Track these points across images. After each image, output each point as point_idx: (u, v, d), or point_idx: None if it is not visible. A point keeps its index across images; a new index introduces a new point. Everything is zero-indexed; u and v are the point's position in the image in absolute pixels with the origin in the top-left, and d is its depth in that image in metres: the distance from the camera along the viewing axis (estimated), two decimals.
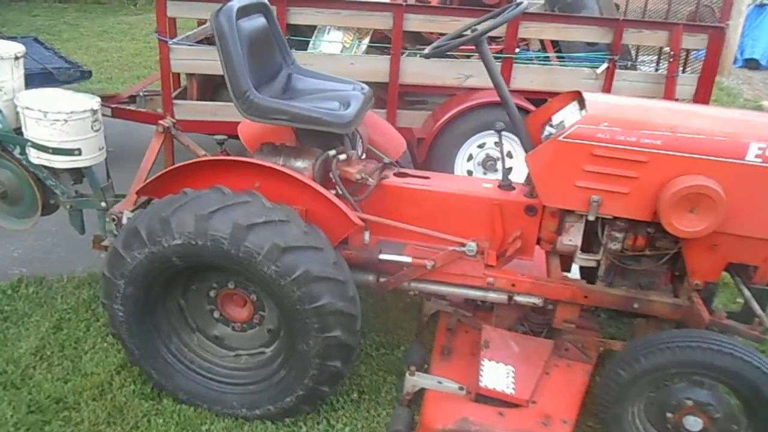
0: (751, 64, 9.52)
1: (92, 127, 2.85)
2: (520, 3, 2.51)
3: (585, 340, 2.59)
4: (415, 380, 2.43)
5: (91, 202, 2.99)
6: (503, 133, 4.12)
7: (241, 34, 2.36)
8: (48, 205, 3.06)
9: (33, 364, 2.66)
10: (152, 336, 2.38)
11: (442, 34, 4.36)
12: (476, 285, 2.50)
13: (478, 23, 3.12)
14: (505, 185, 2.58)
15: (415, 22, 4.02)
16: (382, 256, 2.48)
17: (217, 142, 2.99)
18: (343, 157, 2.48)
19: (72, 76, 4.35)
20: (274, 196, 2.23)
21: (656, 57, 4.92)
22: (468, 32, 2.67)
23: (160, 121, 2.87)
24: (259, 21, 2.60)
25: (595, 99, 2.37)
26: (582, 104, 2.44)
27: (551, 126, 2.52)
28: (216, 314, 2.45)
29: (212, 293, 2.41)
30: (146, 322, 2.34)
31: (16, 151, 2.88)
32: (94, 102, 2.85)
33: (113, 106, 4.32)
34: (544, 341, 2.62)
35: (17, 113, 2.86)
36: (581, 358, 2.55)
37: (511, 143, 4.24)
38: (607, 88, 4.26)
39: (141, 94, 4.93)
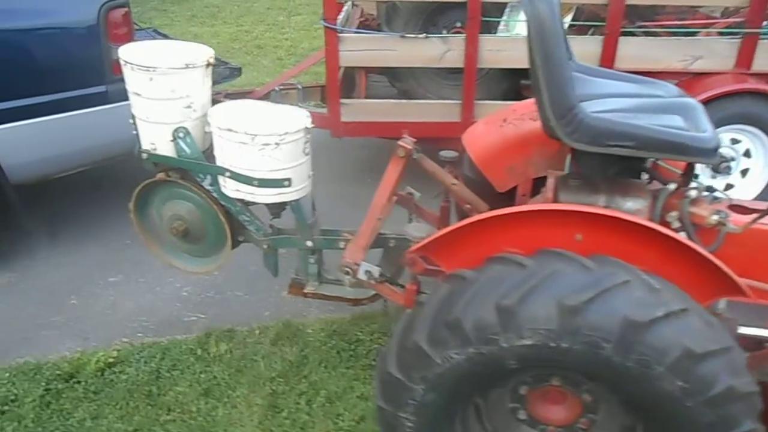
0: None
1: (303, 151, 2.21)
2: None
3: None
4: None
5: (293, 240, 2.39)
6: (741, 126, 3.43)
7: None
8: (235, 242, 2.48)
9: None
10: None
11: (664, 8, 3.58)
12: None
13: None
14: None
15: None
16: (744, 331, 1.77)
17: (445, 159, 2.36)
18: (693, 194, 1.77)
19: (221, 75, 3.63)
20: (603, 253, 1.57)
21: None
22: None
23: (401, 143, 2.19)
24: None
25: None
26: None
27: None
28: (521, 414, 1.80)
29: (522, 390, 1.75)
30: None
31: (206, 182, 2.28)
32: (305, 117, 2.21)
33: None
34: None
35: (205, 134, 2.27)
36: None
37: (751, 138, 3.44)
38: None
39: (277, 89, 4.33)
